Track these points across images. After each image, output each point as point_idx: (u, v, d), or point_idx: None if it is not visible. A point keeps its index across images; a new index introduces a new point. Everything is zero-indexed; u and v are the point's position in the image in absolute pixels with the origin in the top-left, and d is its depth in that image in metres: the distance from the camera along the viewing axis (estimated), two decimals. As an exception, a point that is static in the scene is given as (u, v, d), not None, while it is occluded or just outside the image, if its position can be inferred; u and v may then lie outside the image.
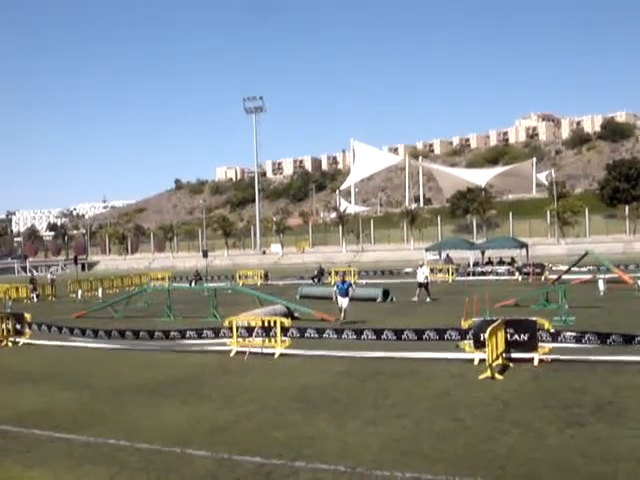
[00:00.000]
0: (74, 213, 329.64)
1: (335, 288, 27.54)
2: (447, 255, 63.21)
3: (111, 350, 23.50)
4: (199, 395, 15.90)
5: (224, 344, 21.98)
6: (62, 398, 16.18)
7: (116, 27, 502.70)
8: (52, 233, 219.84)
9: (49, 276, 57.41)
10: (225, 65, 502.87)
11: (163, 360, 21.13)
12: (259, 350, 20.83)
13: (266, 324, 21.31)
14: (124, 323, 29.55)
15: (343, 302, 26.92)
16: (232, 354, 21.02)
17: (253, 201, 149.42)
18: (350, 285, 28.22)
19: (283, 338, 20.95)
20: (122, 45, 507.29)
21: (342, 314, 26.89)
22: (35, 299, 48.78)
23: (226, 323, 22.46)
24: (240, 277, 60.22)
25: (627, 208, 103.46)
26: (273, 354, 20.54)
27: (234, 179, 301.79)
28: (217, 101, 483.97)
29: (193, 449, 11.51)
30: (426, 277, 37.95)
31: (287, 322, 22.10)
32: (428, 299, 36.53)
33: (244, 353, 20.69)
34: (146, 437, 12.33)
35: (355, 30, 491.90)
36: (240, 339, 21.35)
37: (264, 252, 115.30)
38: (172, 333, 24.57)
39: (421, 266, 38.50)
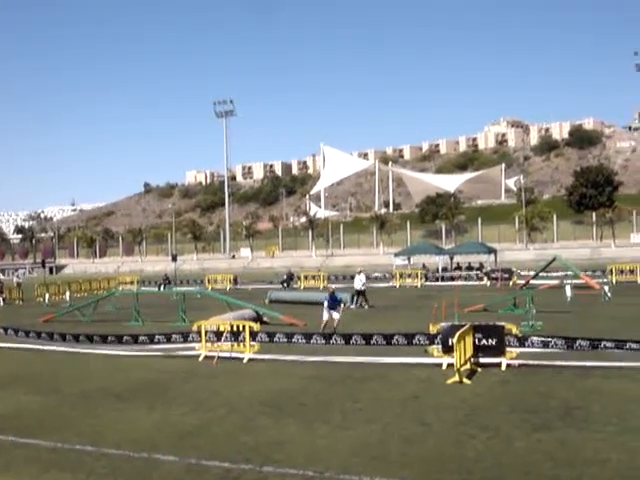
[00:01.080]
0: (42, 216, 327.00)
1: (325, 303, 26.16)
2: (423, 264, 63.50)
3: (79, 354, 23.30)
4: (167, 400, 15.82)
5: (193, 348, 21.90)
6: (29, 402, 16.04)
7: (84, 29, 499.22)
8: (19, 236, 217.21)
9: (15, 280, 57.02)
10: (195, 68, 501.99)
11: (131, 364, 21.01)
12: (228, 355, 20.78)
13: (235, 329, 21.27)
14: (92, 327, 29.35)
15: (333, 314, 25.55)
16: (201, 359, 20.94)
17: (223, 205, 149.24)
18: (341, 300, 27.13)
19: (252, 343, 20.91)
20: (91, 48, 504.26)
21: (324, 324, 25.35)
22: (1, 303, 48.29)
23: (195, 327, 22.38)
24: (209, 281, 60.11)
25: (594, 214, 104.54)
26: (242, 359, 20.49)
27: (204, 183, 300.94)
28: (187, 105, 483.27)
29: (161, 454, 11.44)
30: (364, 284, 37.43)
31: (256, 327, 22.08)
32: (367, 306, 36.32)
33: (213, 358, 20.63)
34: (113, 442, 12.24)
35: (325, 34, 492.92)
36: (209, 343, 21.27)
37: (233, 256, 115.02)
38: (140, 337, 24.41)
39: (359, 273, 37.86)
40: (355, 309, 35.63)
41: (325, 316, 25.70)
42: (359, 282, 37.12)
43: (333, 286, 34.60)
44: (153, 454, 11.46)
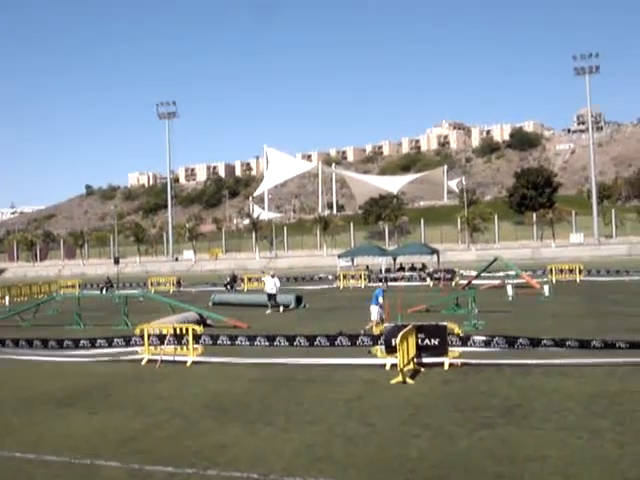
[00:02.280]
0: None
1: (381, 300, 24.92)
2: (367, 266, 63.58)
3: (19, 360, 22.88)
4: (109, 404, 15.64)
5: (136, 352, 21.68)
6: (-34, 410, 15.71)
7: (26, 25, 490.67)
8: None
9: (-47, 284, 55.70)
10: (138, 70, 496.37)
11: (73, 369, 20.72)
12: (171, 358, 20.62)
13: (178, 332, 21.11)
14: (32, 332, 28.84)
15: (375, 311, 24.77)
16: (144, 362, 20.74)
17: (166, 207, 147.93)
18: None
19: (195, 345, 20.79)
20: (34, 45, 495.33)
21: (375, 324, 24.04)
22: (-62, 308, 47.19)
23: (137, 331, 22.16)
24: (152, 284, 59.52)
25: (534, 215, 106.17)
26: (185, 362, 20.36)
27: (146, 185, 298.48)
28: (130, 106, 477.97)
29: (103, 460, 11.31)
30: (279, 288, 36.30)
31: (199, 329, 21.94)
32: (269, 311, 34.97)
33: (156, 361, 20.46)
34: (54, 449, 12.06)
35: (265, 35, 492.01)
36: (152, 347, 21.09)
37: (177, 259, 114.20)
38: (82, 342, 24.09)
39: (272, 277, 36.67)
40: (272, 312, 34.77)
41: (376, 315, 24.68)
42: (273, 285, 35.77)
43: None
44: (95, 460, 11.32)
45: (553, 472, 9.98)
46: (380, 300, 24.93)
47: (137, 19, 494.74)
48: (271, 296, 35.77)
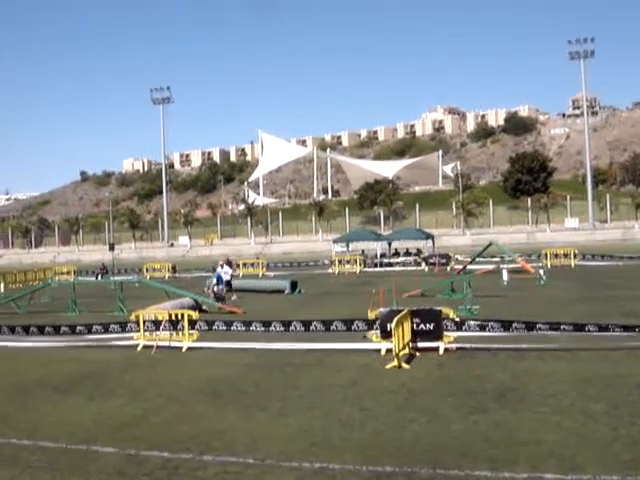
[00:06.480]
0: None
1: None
2: (362, 250, 63.61)
3: (14, 346, 22.86)
4: (105, 390, 15.64)
5: (131, 338, 21.66)
6: (-38, 397, 15.69)
7: (21, 12, 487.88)
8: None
9: (-52, 271, 55.53)
10: (132, 55, 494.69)
11: (68, 356, 20.69)
12: (167, 344, 20.64)
13: (173, 317, 21.11)
14: (28, 318, 28.82)
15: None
16: (139, 348, 20.75)
17: (161, 193, 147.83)
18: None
19: (191, 331, 20.79)
20: (27, 32, 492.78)
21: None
22: None
23: (133, 317, 22.15)
24: (147, 270, 59.56)
25: (529, 200, 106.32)
26: (181, 347, 20.37)
27: (141, 171, 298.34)
28: (124, 91, 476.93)
29: (99, 446, 11.30)
30: (231, 276, 36.62)
31: (195, 315, 21.94)
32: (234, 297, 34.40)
33: (151, 347, 20.47)
34: (50, 435, 12.05)
35: (260, 21, 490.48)
36: (147, 333, 21.07)
37: (172, 245, 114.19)
38: (78, 328, 24.05)
39: (222, 266, 36.39)
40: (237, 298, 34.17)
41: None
42: (226, 274, 35.46)
43: (272, 273, 34.42)
44: (91, 446, 11.32)
45: (547, 455, 10.00)
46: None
47: (131, 5, 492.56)
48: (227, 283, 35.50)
